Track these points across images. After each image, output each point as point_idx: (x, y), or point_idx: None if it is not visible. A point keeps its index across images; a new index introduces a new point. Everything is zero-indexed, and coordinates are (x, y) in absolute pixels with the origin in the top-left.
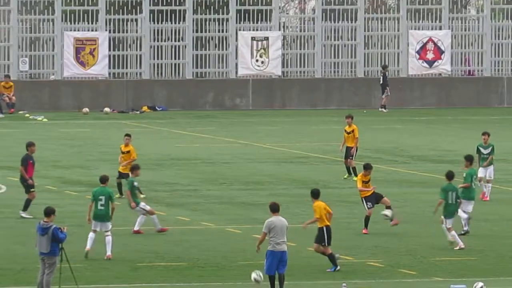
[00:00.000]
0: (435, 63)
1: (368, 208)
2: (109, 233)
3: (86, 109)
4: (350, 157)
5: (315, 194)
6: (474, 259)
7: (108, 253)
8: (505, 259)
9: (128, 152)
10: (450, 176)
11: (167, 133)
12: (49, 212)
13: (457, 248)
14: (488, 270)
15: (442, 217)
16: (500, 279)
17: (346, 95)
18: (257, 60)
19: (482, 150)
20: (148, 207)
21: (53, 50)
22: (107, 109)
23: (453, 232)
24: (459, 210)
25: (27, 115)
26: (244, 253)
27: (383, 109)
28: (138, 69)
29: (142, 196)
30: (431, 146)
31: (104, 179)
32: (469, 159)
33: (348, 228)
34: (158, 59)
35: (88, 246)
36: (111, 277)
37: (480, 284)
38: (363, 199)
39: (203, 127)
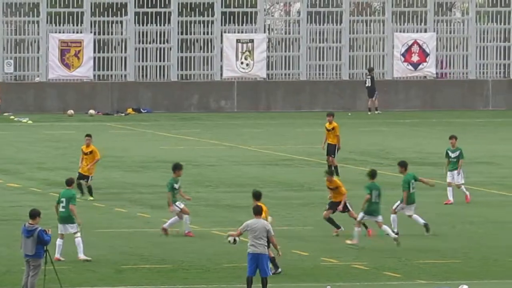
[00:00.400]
0: (420, 66)
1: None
2: (77, 234)
3: (71, 111)
4: (332, 155)
5: (257, 196)
6: (458, 261)
7: (80, 255)
8: (489, 262)
9: (91, 152)
10: (372, 175)
11: (152, 135)
12: (34, 214)
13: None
14: (472, 272)
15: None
16: (484, 281)
17: (331, 98)
18: (242, 63)
19: (450, 153)
20: (182, 205)
21: (38, 52)
22: (92, 111)
23: (358, 229)
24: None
25: (12, 117)
26: (229, 256)
27: (378, 112)
28: (123, 71)
29: (185, 199)
30: (416, 149)
31: (70, 182)
32: (402, 165)
33: (331, 230)
34: (143, 61)
35: (57, 255)
36: (95, 279)
37: (465, 286)
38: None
39: (188, 129)
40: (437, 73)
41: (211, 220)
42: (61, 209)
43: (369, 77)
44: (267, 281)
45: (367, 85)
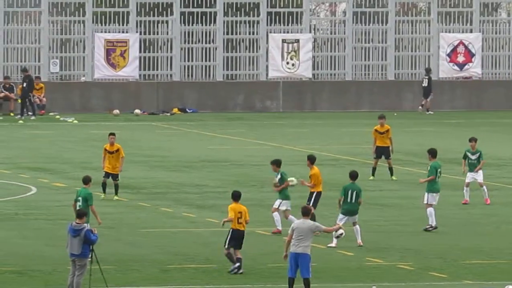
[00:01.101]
0: (466, 66)
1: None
2: None
3: (116, 111)
4: (389, 158)
5: (236, 197)
6: (504, 262)
7: None
8: None
9: (117, 151)
10: (353, 176)
11: (197, 135)
12: (81, 214)
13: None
14: None
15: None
16: None
17: (376, 98)
18: (287, 63)
19: (469, 155)
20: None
21: (83, 52)
22: (137, 111)
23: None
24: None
25: (57, 116)
26: (274, 256)
27: (429, 112)
28: (169, 71)
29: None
30: (461, 149)
31: (87, 180)
32: (431, 152)
33: (377, 230)
34: (188, 61)
35: None
36: (140, 279)
37: (511, 287)
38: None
39: (233, 129)
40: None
41: (256, 220)
42: (77, 208)
43: (426, 77)
44: (309, 282)
45: (424, 85)
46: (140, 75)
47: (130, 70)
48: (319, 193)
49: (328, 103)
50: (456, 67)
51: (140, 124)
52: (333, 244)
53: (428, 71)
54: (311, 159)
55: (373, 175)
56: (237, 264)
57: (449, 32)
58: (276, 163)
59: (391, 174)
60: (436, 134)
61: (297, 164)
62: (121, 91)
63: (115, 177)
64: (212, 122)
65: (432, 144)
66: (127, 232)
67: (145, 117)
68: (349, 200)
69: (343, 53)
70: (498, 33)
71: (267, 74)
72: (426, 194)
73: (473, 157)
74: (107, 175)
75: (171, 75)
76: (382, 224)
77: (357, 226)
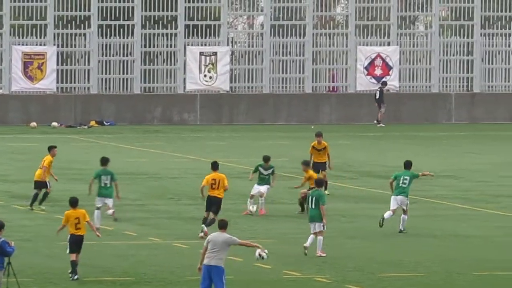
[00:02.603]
0: (383, 79)
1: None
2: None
3: (34, 123)
4: (323, 170)
5: (73, 203)
6: (421, 275)
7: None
8: (453, 276)
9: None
10: (318, 183)
11: (115, 148)
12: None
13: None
14: (436, 286)
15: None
16: None
17: (294, 111)
18: (205, 75)
19: (262, 170)
20: None
21: (1, 64)
22: (54, 124)
23: (309, 239)
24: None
25: None
26: (191, 268)
27: (381, 124)
28: (86, 84)
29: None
30: (379, 162)
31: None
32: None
33: (295, 243)
34: (106, 73)
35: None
36: None
37: None
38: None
39: (151, 142)
40: (328, 88)
41: (174, 233)
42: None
43: (378, 89)
44: None
45: (376, 97)
46: (57, 88)
47: (47, 83)
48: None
49: (246, 116)
50: (373, 80)
51: (57, 136)
52: (307, 244)
53: (383, 83)
54: (306, 164)
55: (325, 189)
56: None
57: (367, 45)
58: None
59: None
60: (354, 147)
61: None
62: (38, 103)
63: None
64: (129, 134)
65: (349, 156)
66: (45, 245)
67: (63, 130)
68: (310, 205)
69: (261, 66)
70: (416, 46)
71: (184, 87)
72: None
73: (265, 173)
74: (39, 186)
75: (88, 88)
76: (299, 237)
77: (320, 237)
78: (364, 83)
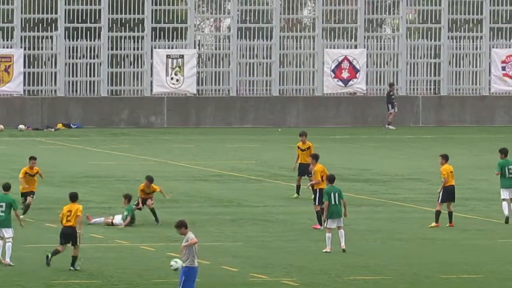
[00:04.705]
0: (350, 82)
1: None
2: (10, 239)
3: (0, 126)
4: (310, 175)
5: (72, 197)
6: (388, 278)
7: (7, 259)
8: (420, 279)
9: (37, 173)
10: (331, 179)
11: (82, 151)
12: None
13: (324, 250)
14: None
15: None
16: None
17: (261, 114)
18: (172, 78)
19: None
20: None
21: None
22: (21, 126)
23: (328, 234)
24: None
25: None
26: (158, 271)
27: (390, 126)
28: (53, 87)
29: None
30: (346, 165)
31: (6, 187)
32: (502, 151)
33: (262, 246)
34: (73, 76)
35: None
36: None
37: None
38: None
39: (117, 145)
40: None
41: (140, 236)
42: (0, 214)
43: (389, 91)
44: None
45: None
46: (24, 91)
47: (14, 86)
48: (321, 190)
49: (213, 119)
50: (340, 83)
51: (24, 139)
52: (328, 249)
53: (391, 85)
54: (314, 157)
55: (297, 192)
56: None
57: (334, 48)
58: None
59: (297, 191)
60: (321, 150)
61: (181, 180)
62: (5, 106)
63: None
64: (96, 137)
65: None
66: (12, 248)
67: (29, 133)
68: (333, 202)
69: (228, 68)
70: (383, 49)
71: (151, 90)
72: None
73: None
74: (24, 195)
75: (55, 91)
76: (265, 240)
77: (342, 230)
78: (331, 86)
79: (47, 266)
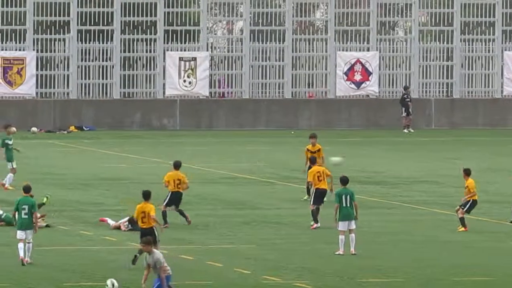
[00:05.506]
0: (363, 85)
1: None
2: (31, 240)
3: (13, 128)
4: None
5: (145, 196)
6: (400, 280)
7: (27, 258)
8: (431, 282)
9: None
10: (344, 181)
11: (94, 153)
12: None
13: (337, 253)
14: None
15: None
16: None
17: (273, 116)
18: (184, 81)
19: None
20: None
21: None
22: (34, 129)
23: (341, 237)
24: None
25: None
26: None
27: (405, 130)
28: (66, 89)
29: None
30: (359, 168)
31: (27, 188)
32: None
33: (274, 248)
34: (85, 79)
35: (21, 255)
36: None
37: None
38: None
39: (130, 147)
40: (214, 93)
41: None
42: (23, 216)
43: (404, 95)
44: None
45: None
46: (37, 93)
47: (27, 88)
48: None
49: (225, 121)
50: (353, 86)
51: (37, 142)
52: (340, 252)
53: (406, 88)
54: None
55: (308, 194)
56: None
57: (346, 50)
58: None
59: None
60: (333, 152)
61: (193, 182)
62: (18, 108)
63: None
64: (109, 140)
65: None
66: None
67: (42, 135)
68: (344, 204)
69: (240, 71)
70: (395, 52)
71: (164, 92)
72: None
73: None
74: None
75: (68, 93)
76: (277, 243)
77: (353, 234)
78: (344, 89)
79: (133, 264)
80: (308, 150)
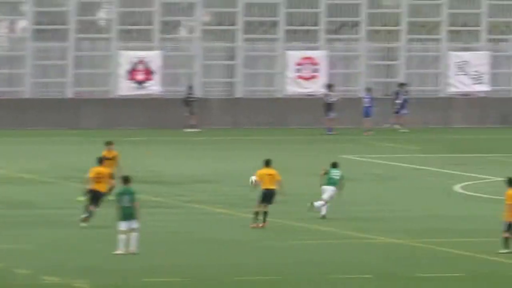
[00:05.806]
0: (146, 84)
1: None
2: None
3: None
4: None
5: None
6: (179, 280)
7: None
8: (209, 282)
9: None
10: (126, 180)
11: None
12: None
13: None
14: None
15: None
16: None
17: (56, 116)
18: None
19: None
20: None
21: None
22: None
23: (122, 236)
24: None
25: None
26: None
27: (194, 129)
28: None
29: None
30: (142, 167)
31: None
32: None
33: (54, 248)
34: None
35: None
36: None
37: None
38: None
39: None
40: None
41: None
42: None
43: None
44: None
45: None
46: None
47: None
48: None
49: (5, 122)
50: (136, 85)
51: None
52: (121, 251)
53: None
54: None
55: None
56: None
57: (130, 50)
58: None
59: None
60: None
61: None
62: None
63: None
64: None
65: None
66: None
67: None
68: (124, 204)
69: (23, 70)
70: (179, 51)
71: None
72: None
73: None
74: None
75: None
76: (59, 242)
77: (134, 233)
78: (126, 88)
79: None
80: (105, 157)
